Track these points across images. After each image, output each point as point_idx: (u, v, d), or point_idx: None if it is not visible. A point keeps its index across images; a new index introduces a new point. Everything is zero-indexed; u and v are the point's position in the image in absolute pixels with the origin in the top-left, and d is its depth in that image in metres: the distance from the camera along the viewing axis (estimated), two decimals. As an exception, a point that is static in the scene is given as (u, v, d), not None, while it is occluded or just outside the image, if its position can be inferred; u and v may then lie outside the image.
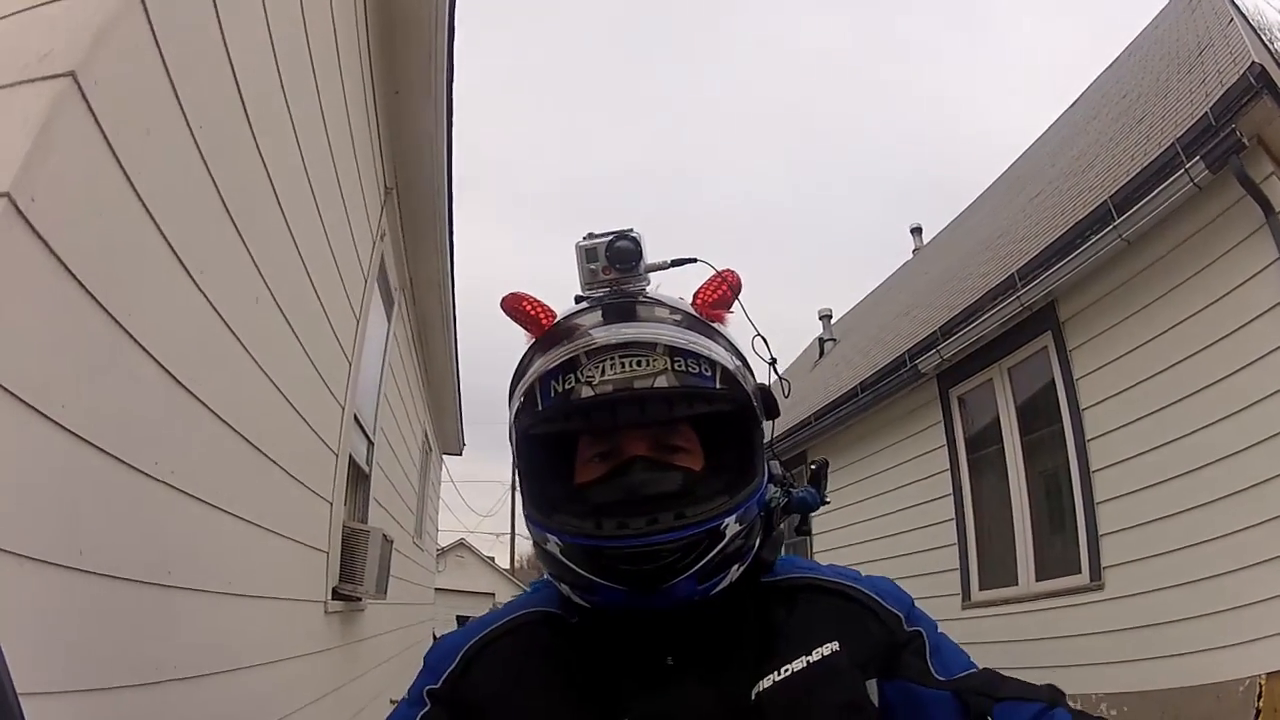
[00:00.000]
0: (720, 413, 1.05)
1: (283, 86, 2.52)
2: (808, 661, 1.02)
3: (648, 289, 1.13)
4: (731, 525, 1.00)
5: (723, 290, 1.11)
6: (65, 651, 1.33)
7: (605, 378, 1.00)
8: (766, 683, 1.01)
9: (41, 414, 1.23)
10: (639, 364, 1.01)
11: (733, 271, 1.12)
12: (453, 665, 1.09)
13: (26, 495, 1.22)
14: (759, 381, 1.12)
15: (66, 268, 1.29)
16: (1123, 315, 5.61)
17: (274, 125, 2.46)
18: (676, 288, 1.16)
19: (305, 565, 3.25)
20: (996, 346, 6.86)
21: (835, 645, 1.04)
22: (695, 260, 1.15)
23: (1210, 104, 4.71)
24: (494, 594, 30.24)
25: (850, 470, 9.00)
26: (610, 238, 1.10)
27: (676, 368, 1.01)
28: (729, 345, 1.09)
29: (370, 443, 4.99)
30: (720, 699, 1.00)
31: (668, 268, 1.15)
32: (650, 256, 1.13)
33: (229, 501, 2.21)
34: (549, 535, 1.03)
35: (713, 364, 1.03)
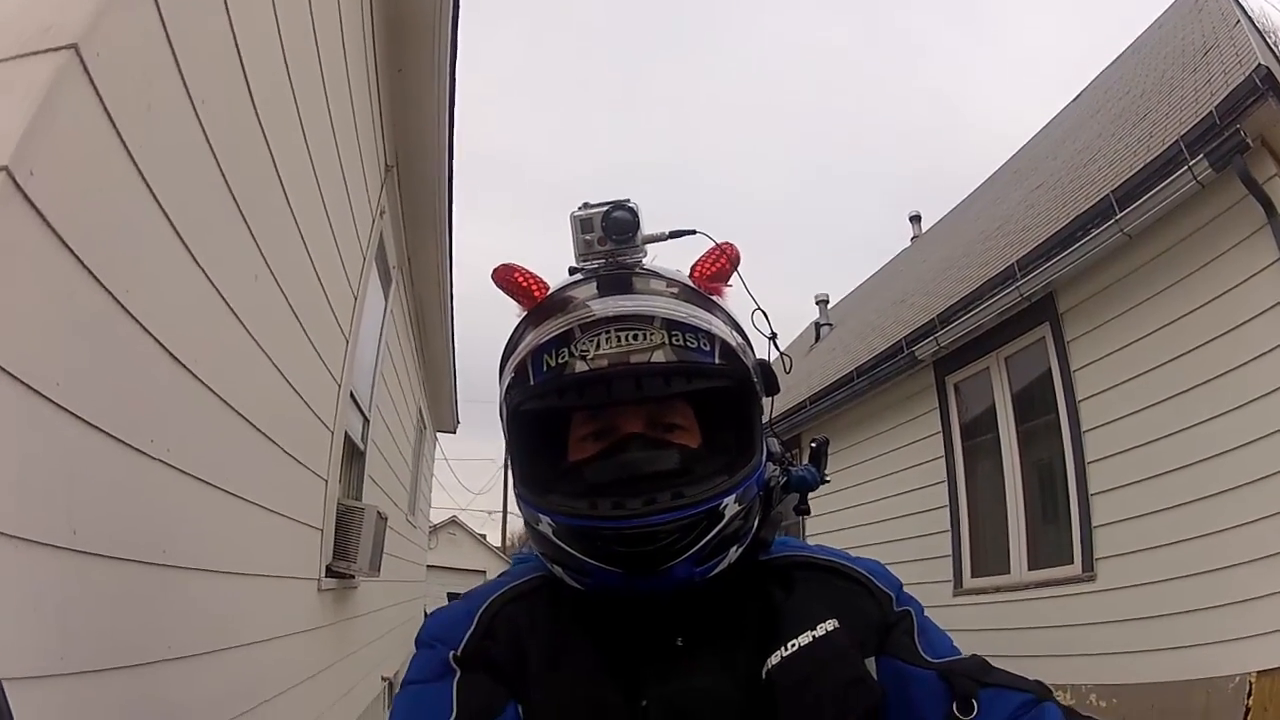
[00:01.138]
0: (719, 389, 1.03)
1: (286, 64, 2.49)
2: (813, 637, 1.01)
3: (645, 261, 1.10)
4: (731, 505, 0.98)
5: (721, 263, 1.08)
6: (57, 634, 1.32)
7: (600, 352, 0.98)
8: (775, 659, 0.99)
9: (36, 392, 1.22)
10: (635, 338, 0.99)
11: (732, 244, 1.09)
12: (471, 629, 1.04)
13: (20, 474, 1.21)
14: (759, 357, 1.10)
15: (64, 243, 1.27)
16: (1122, 309, 5.62)
17: (277, 102, 2.44)
18: (674, 263, 1.13)
19: (300, 543, 3.24)
20: (994, 336, 6.86)
21: (835, 623, 1.03)
22: (694, 232, 1.13)
23: (1215, 103, 4.71)
24: (485, 571, 30.29)
25: (845, 455, 9.01)
26: (607, 207, 1.07)
27: (674, 342, 0.99)
28: (728, 319, 1.07)
29: (366, 420, 4.98)
30: (733, 679, 0.99)
31: (665, 239, 1.12)
32: (648, 229, 1.10)
33: (225, 479, 2.19)
34: (541, 515, 1.01)
35: (711, 338, 1.01)
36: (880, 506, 8.44)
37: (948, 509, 7.41)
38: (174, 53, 1.63)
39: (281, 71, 2.47)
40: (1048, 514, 6.39)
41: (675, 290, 1.05)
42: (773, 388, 1.11)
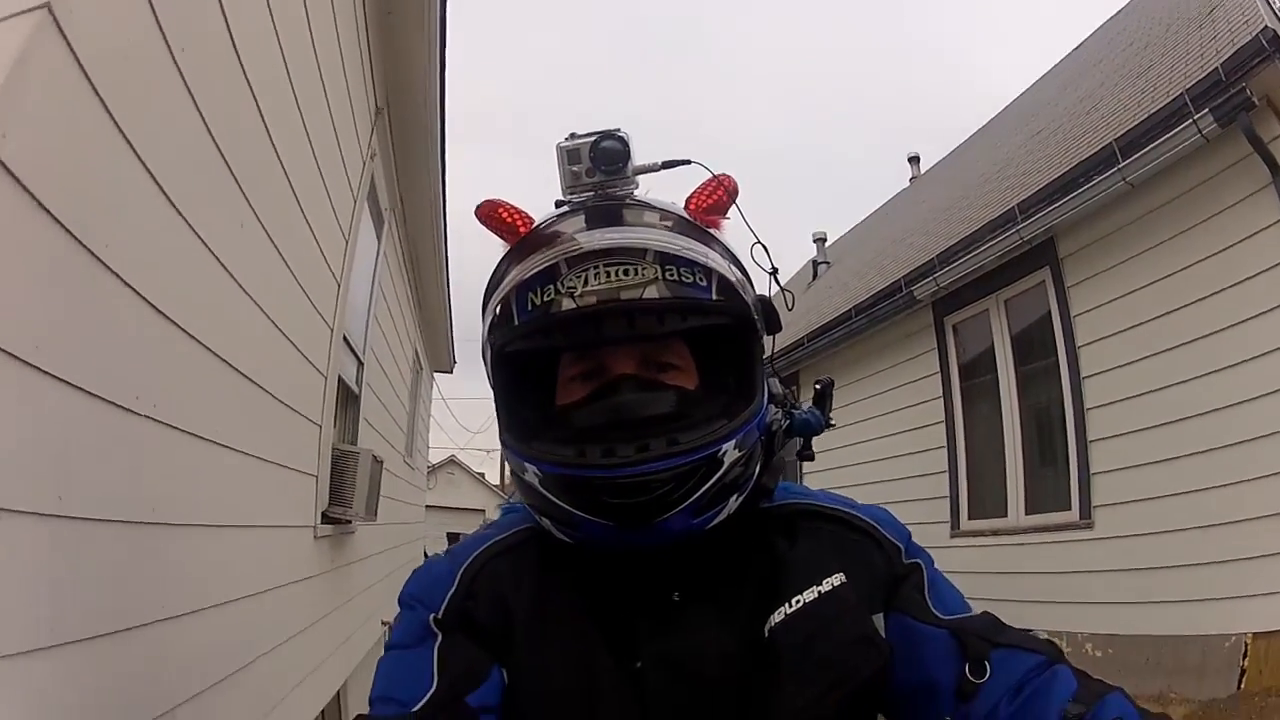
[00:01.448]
0: (716, 326, 0.97)
1: (270, 7, 2.43)
2: (819, 592, 0.96)
3: (636, 193, 1.03)
4: (730, 452, 0.92)
5: (719, 195, 1.01)
6: (47, 604, 1.31)
7: (589, 288, 0.91)
8: (778, 616, 0.94)
9: (14, 356, 1.19)
10: (626, 273, 0.92)
11: (729, 175, 1.01)
12: (452, 589, 0.99)
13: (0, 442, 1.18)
14: (759, 293, 1.03)
15: (40, 203, 1.24)
16: (1123, 257, 5.61)
17: (260, 46, 2.37)
18: (668, 197, 1.06)
19: (294, 490, 3.24)
20: (994, 278, 6.85)
21: (841, 576, 0.98)
22: (689, 162, 1.06)
23: (1221, 60, 4.70)
24: (484, 510, 30.62)
25: (842, 393, 9.03)
26: (595, 137, 1.00)
27: (668, 276, 0.93)
28: (726, 253, 1.00)
29: (360, 363, 4.95)
30: (733, 635, 0.95)
31: (658, 170, 1.05)
32: (639, 159, 1.03)
33: (215, 431, 2.17)
34: (527, 464, 0.95)
35: (708, 272, 0.95)
36: (878, 445, 8.49)
37: (945, 450, 7.46)
38: (150, 1, 1.58)
39: (265, 15, 2.41)
40: (1046, 458, 6.42)
41: (669, 222, 0.98)
42: (774, 325, 1.05)
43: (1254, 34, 4.53)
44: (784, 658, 0.92)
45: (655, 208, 1.01)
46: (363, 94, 4.29)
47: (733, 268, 0.99)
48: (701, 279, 0.94)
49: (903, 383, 8.24)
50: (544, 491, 0.94)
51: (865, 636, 0.96)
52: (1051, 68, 11.34)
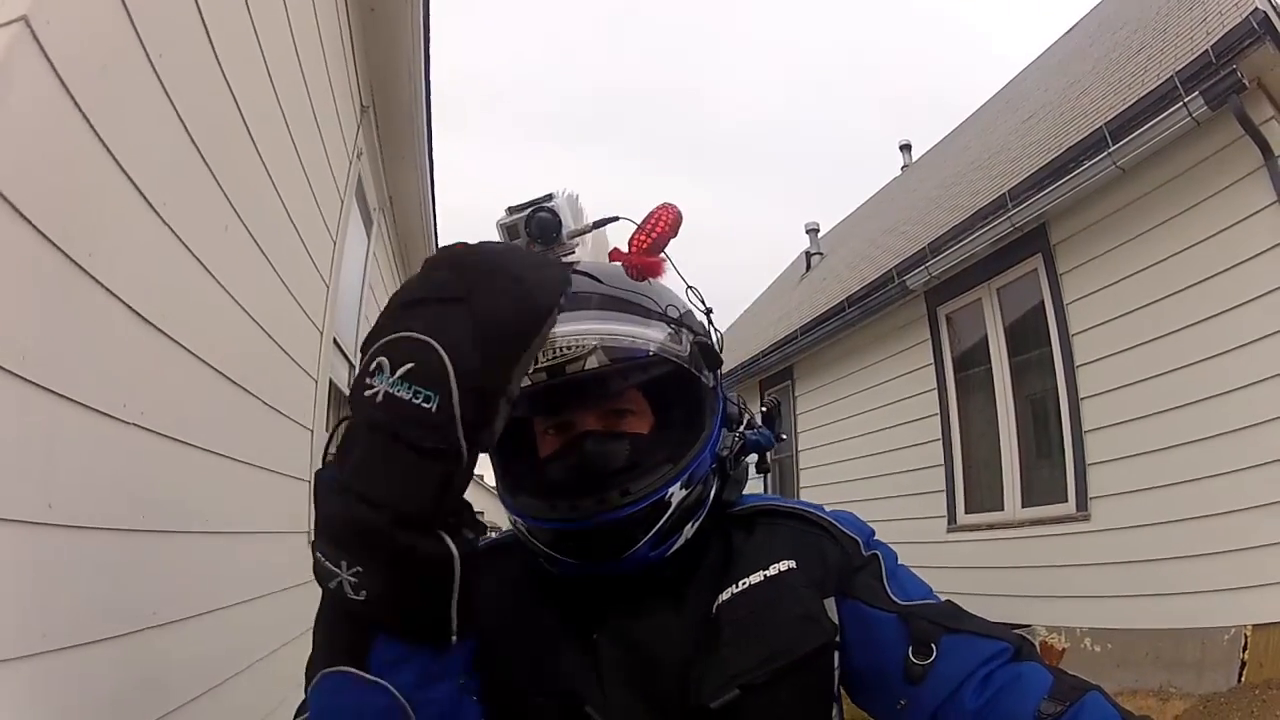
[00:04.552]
0: (659, 376, 1.07)
1: (250, 11, 2.41)
2: (764, 576, 1.07)
3: (578, 249, 1.12)
4: (677, 493, 1.04)
5: (658, 231, 1.10)
6: (38, 611, 1.30)
7: (539, 366, 1.01)
8: (725, 595, 1.06)
9: (0, 367, 1.19)
10: (569, 347, 1.02)
11: (671, 207, 1.12)
12: None
13: (-13, 453, 1.18)
14: (698, 336, 1.13)
15: (21, 214, 1.23)
16: (1116, 243, 5.61)
17: (239, 48, 2.36)
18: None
19: (287, 496, 3.22)
20: (986, 266, 6.86)
21: (791, 563, 1.09)
22: (617, 219, 1.15)
23: (1211, 42, 4.70)
24: (483, 512, 30.51)
25: (836, 386, 9.05)
26: (529, 211, 1.08)
27: (606, 346, 1.03)
28: (661, 308, 1.10)
29: (352, 366, 4.92)
30: (685, 615, 1.06)
31: (589, 231, 1.13)
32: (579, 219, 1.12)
33: (204, 438, 2.16)
34: (516, 517, 1.09)
35: (646, 340, 1.06)
36: (873, 439, 8.50)
37: (941, 443, 7.46)
38: (127, 9, 1.58)
39: (244, 17, 2.39)
40: (1041, 450, 6.43)
41: (604, 294, 1.08)
42: (714, 363, 1.15)
43: (1244, 15, 4.54)
44: (725, 634, 1.03)
45: (592, 276, 1.10)
46: (347, 92, 4.27)
47: (667, 326, 1.09)
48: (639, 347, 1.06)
49: (897, 375, 8.25)
50: (529, 537, 1.09)
51: (809, 615, 1.06)
52: (1042, 52, 11.36)
